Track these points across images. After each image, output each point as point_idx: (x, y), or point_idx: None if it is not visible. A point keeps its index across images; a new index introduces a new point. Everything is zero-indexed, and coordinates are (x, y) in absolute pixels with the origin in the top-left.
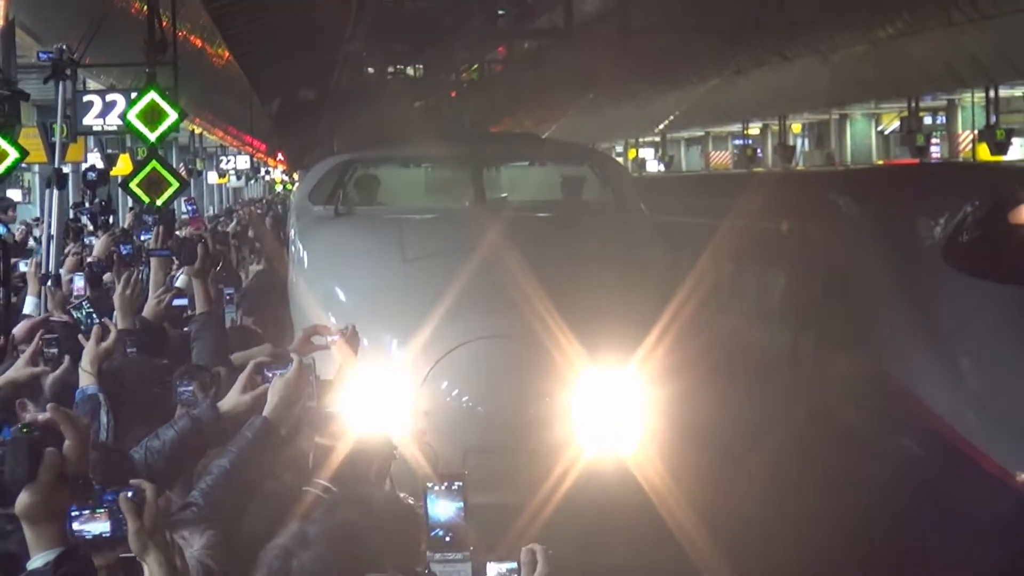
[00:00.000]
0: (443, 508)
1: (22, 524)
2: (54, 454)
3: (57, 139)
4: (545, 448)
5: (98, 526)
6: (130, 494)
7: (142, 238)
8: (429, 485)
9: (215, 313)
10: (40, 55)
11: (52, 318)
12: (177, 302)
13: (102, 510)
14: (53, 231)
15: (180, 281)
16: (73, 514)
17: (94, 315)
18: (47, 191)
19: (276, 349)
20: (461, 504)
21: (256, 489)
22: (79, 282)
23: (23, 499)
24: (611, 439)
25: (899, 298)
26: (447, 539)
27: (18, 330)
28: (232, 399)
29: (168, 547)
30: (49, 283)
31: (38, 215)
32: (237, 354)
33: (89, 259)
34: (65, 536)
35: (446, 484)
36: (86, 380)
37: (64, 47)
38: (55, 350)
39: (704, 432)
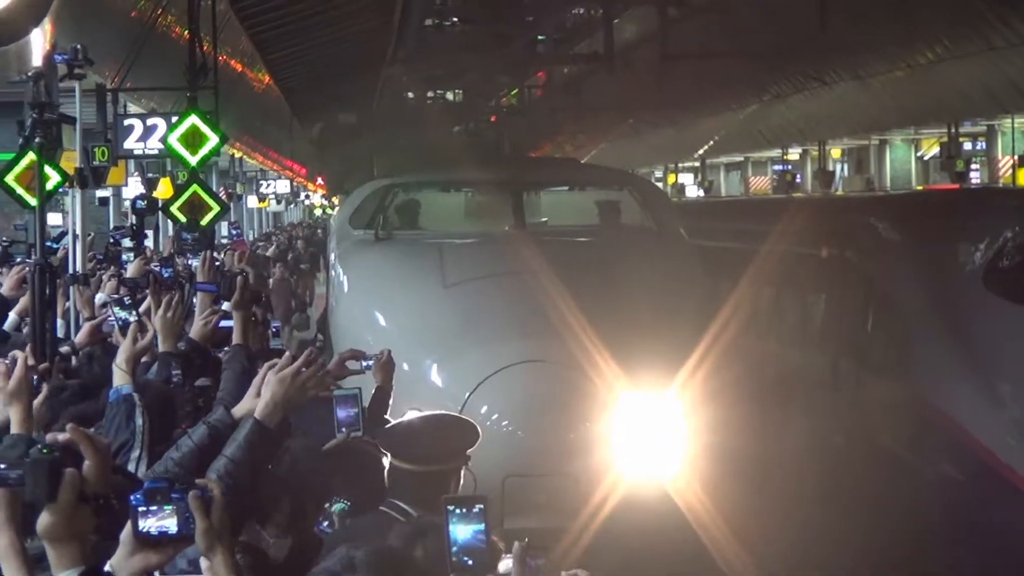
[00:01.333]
0: (463, 531)
1: (44, 544)
2: (74, 475)
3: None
4: (585, 473)
5: (165, 523)
6: (200, 493)
7: (189, 260)
8: (450, 508)
9: (247, 346)
10: (56, 57)
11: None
12: (225, 324)
13: (169, 508)
14: (78, 230)
15: (228, 305)
16: (140, 510)
17: (134, 314)
18: (72, 191)
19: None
20: (482, 527)
21: (257, 492)
22: (100, 299)
23: (44, 520)
24: (651, 464)
25: (939, 323)
26: (469, 563)
27: (81, 336)
28: (246, 404)
29: (234, 548)
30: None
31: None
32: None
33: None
34: (87, 555)
35: (466, 506)
36: (121, 379)
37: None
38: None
39: (743, 456)
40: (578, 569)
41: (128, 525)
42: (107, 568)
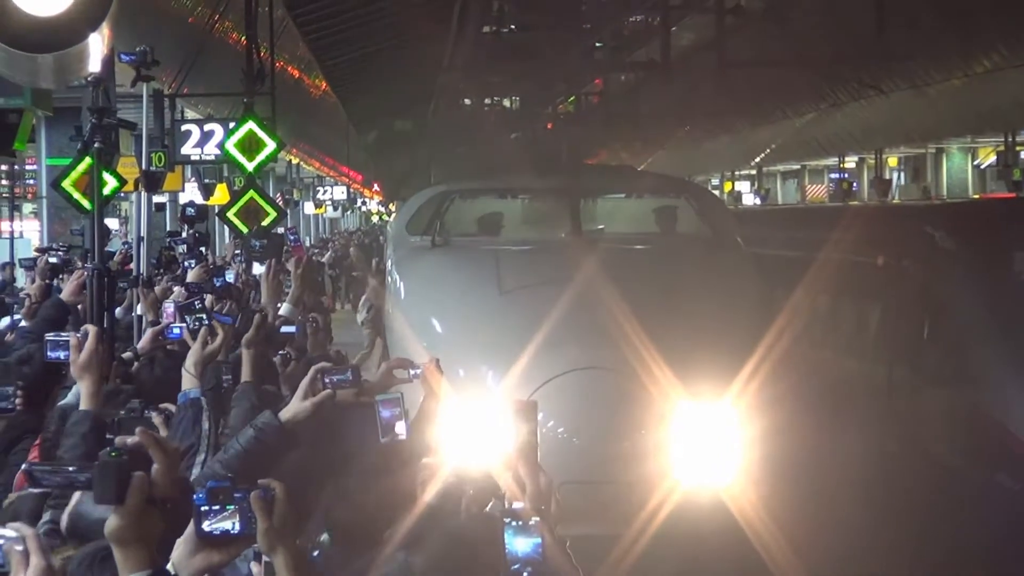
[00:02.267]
0: (521, 544)
1: (111, 547)
2: (142, 478)
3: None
4: (640, 480)
5: (227, 523)
6: (263, 493)
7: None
8: (507, 520)
9: (258, 384)
10: (121, 56)
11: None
12: (284, 330)
13: (232, 507)
14: (143, 232)
15: (284, 309)
16: (202, 509)
17: (204, 319)
18: (134, 194)
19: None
20: (540, 540)
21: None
22: (170, 308)
23: (112, 522)
24: (706, 472)
25: (995, 332)
26: (526, 574)
27: (143, 341)
28: (293, 407)
29: (296, 548)
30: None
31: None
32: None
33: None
34: (153, 559)
35: (524, 520)
36: (188, 383)
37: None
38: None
39: (798, 465)
40: None
41: (191, 524)
42: (169, 566)
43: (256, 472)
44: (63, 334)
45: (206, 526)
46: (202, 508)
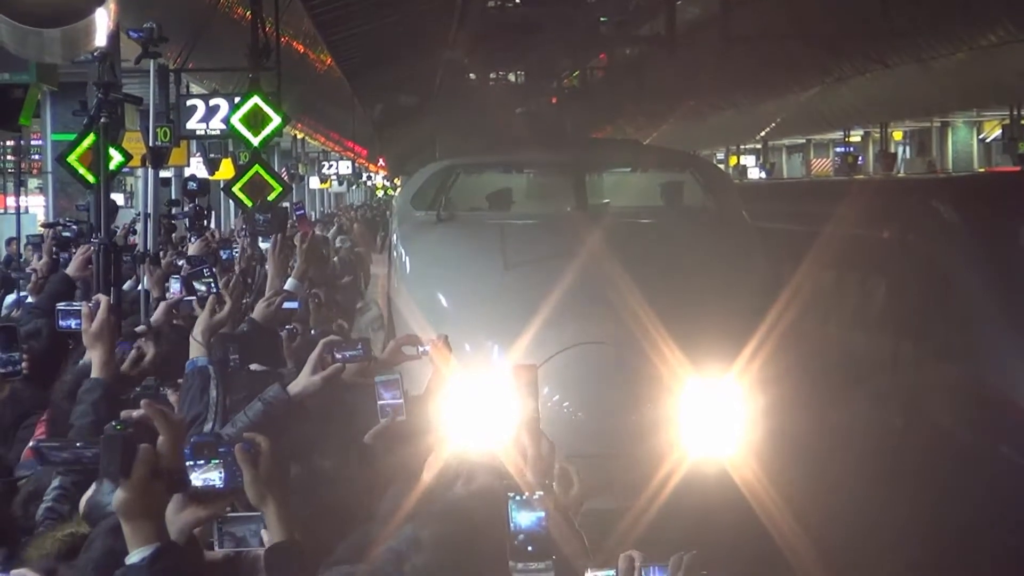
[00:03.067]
0: (525, 517)
1: (119, 519)
2: (148, 450)
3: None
4: (646, 454)
5: (212, 476)
6: (246, 446)
7: (260, 244)
8: (511, 495)
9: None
10: (130, 33)
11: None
12: (288, 305)
13: (217, 461)
14: (150, 209)
15: (289, 284)
16: (188, 464)
17: (214, 285)
18: (141, 170)
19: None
20: (543, 514)
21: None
22: (175, 285)
23: (119, 496)
24: (712, 445)
25: (1000, 306)
26: (529, 548)
27: (157, 315)
28: (302, 381)
29: (287, 501)
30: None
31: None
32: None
33: (186, 257)
34: (161, 532)
35: (528, 494)
36: (196, 351)
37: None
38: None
39: (804, 439)
40: (635, 551)
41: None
42: None
43: None
44: (75, 303)
45: (191, 480)
46: (187, 463)
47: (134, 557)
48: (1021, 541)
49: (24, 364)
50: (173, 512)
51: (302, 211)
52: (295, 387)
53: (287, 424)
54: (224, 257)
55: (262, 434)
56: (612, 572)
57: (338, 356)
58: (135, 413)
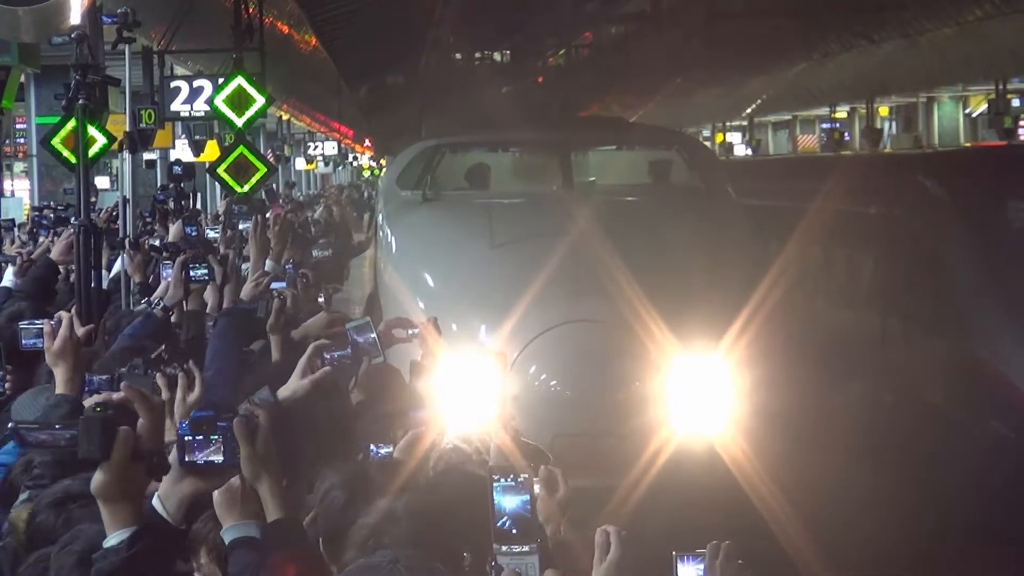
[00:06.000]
0: (509, 500)
1: (98, 502)
2: (127, 432)
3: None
4: (634, 432)
5: (211, 452)
6: (245, 421)
7: (240, 227)
8: (495, 477)
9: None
10: (103, 18)
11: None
12: (275, 285)
13: (216, 437)
14: (128, 194)
15: (267, 266)
16: (186, 439)
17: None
18: (121, 153)
19: (333, 315)
20: (527, 497)
21: None
22: (166, 272)
23: (97, 478)
24: (700, 423)
25: (988, 280)
26: (514, 531)
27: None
28: (292, 385)
29: (281, 477)
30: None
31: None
32: (296, 330)
33: (166, 242)
34: (140, 514)
35: (512, 477)
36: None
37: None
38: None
39: (792, 416)
40: (610, 526)
41: (175, 455)
42: (155, 499)
43: None
44: (36, 322)
45: (191, 456)
46: (186, 438)
47: (112, 540)
48: (1009, 514)
49: (8, 384)
50: (171, 484)
51: (275, 193)
52: (284, 391)
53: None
54: (191, 234)
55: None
56: None
57: (327, 358)
58: (115, 395)
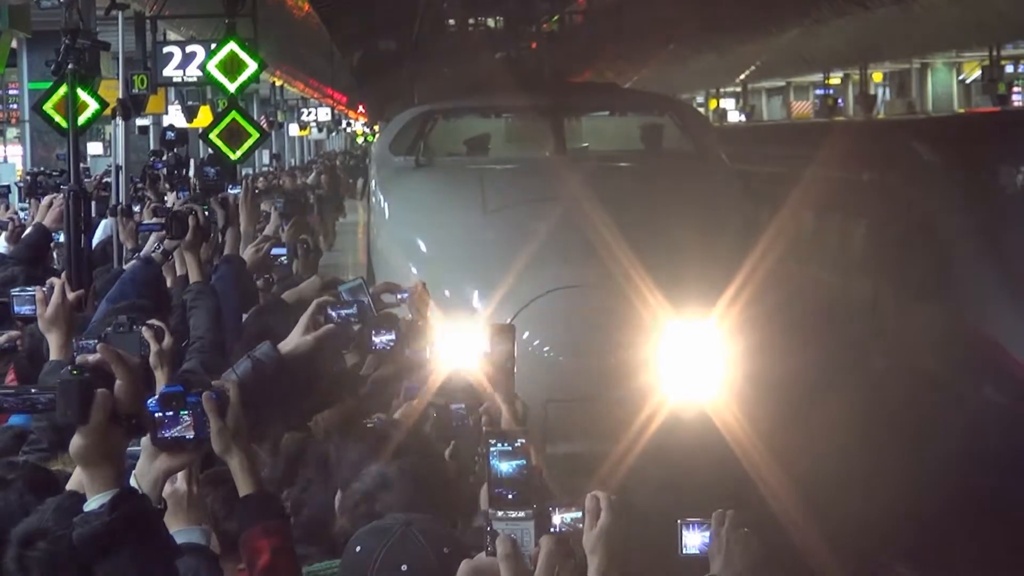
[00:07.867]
0: (506, 466)
1: (78, 466)
2: (105, 395)
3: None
4: (626, 397)
5: (182, 428)
6: (214, 396)
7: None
8: (491, 442)
9: (208, 282)
10: None
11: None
12: (275, 252)
13: (186, 412)
14: (120, 161)
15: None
16: (156, 416)
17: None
18: (114, 120)
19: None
20: (523, 461)
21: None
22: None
23: (76, 441)
24: (692, 389)
25: (981, 246)
26: (509, 497)
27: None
28: (294, 340)
29: (252, 450)
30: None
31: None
32: (289, 291)
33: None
34: (120, 478)
35: (508, 441)
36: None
37: None
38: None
39: (784, 381)
40: (600, 491)
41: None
42: (132, 478)
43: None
44: (28, 288)
45: (161, 433)
46: (156, 415)
47: (93, 503)
48: (1002, 481)
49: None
50: (145, 463)
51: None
52: (286, 346)
53: (275, 383)
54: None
55: (248, 393)
56: (579, 514)
57: (332, 314)
58: (91, 357)
